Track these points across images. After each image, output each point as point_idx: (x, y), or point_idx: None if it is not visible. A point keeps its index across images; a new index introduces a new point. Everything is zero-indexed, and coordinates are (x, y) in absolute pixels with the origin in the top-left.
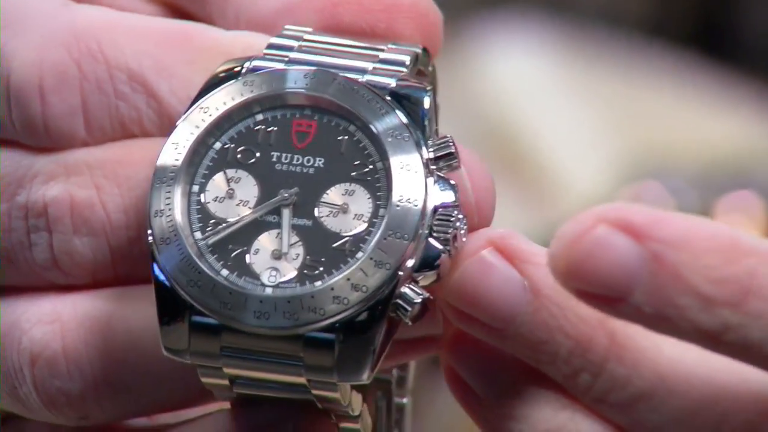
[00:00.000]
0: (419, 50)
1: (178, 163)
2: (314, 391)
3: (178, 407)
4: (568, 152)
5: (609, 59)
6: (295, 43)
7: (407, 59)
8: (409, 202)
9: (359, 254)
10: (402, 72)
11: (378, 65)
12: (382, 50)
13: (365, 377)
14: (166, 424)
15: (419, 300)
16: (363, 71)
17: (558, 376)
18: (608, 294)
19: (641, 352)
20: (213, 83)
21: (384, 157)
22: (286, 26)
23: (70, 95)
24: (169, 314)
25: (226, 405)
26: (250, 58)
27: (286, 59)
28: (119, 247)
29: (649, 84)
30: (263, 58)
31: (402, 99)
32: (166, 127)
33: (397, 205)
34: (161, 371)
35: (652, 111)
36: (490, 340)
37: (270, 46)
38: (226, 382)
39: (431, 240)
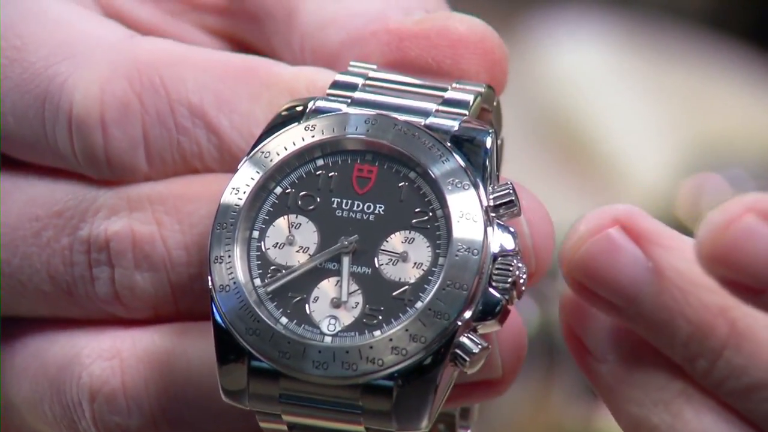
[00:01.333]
0: (483, 89)
1: (239, 208)
2: None
3: None
4: (629, 144)
5: (669, 51)
6: (359, 81)
7: (471, 99)
8: (468, 252)
9: (418, 304)
10: (464, 114)
11: (441, 107)
12: (446, 89)
13: (424, 425)
14: None
15: (477, 350)
16: (426, 113)
17: (676, 357)
18: (754, 284)
19: (760, 344)
20: (276, 123)
21: (443, 205)
22: (352, 62)
23: (131, 128)
24: (228, 358)
25: None
26: (313, 99)
27: (350, 100)
28: (180, 284)
29: (710, 76)
30: (326, 98)
31: (464, 142)
32: (227, 162)
33: (456, 255)
34: (219, 409)
35: (713, 102)
36: (611, 315)
37: (334, 85)
38: (284, 427)
39: (491, 289)
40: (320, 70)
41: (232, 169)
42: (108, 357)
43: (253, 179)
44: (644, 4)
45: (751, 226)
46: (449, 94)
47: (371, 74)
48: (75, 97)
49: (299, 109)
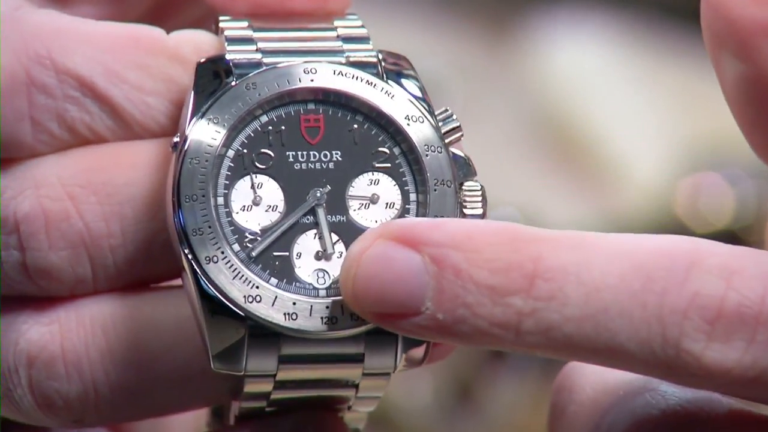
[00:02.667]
0: (358, 18)
1: (204, 177)
2: (363, 382)
3: (175, 412)
4: (629, 143)
5: (668, 51)
6: (249, 33)
7: (365, 31)
8: (443, 184)
9: None
10: (372, 48)
11: (348, 45)
12: (333, 28)
13: (420, 364)
14: None
15: None
16: (340, 52)
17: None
18: (401, 310)
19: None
20: (202, 82)
21: (401, 141)
22: (221, 18)
23: (17, 100)
24: (220, 328)
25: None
26: (221, 53)
27: (258, 50)
28: (99, 257)
29: (708, 75)
30: (236, 51)
31: (395, 74)
32: (123, 131)
33: (435, 189)
34: (167, 375)
35: (711, 101)
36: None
37: (232, 41)
38: (270, 387)
39: (463, 217)
40: (199, 32)
41: (126, 138)
42: (47, 322)
43: (211, 146)
44: (642, 4)
45: (380, 253)
46: (343, 32)
47: (255, 25)
48: None
49: (217, 61)
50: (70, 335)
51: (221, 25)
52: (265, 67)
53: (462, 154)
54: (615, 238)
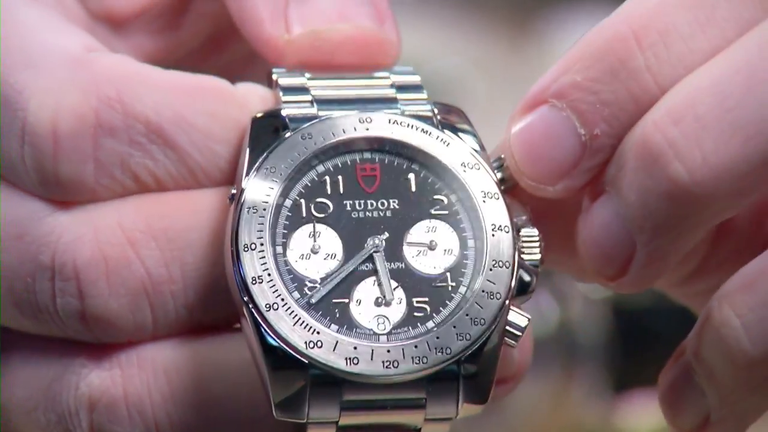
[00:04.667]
0: (412, 69)
1: (263, 227)
2: (425, 427)
3: None
4: None
5: None
6: (303, 81)
7: (418, 79)
8: (501, 230)
9: (461, 288)
10: (426, 97)
11: (402, 95)
12: (387, 77)
13: (480, 409)
14: None
15: (525, 323)
16: (393, 101)
17: None
18: (571, 155)
19: None
20: (258, 135)
21: (456, 189)
22: (274, 70)
23: (83, 141)
24: (282, 375)
25: None
26: (278, 108)
27: (312, 101)
28: (161, 304)
29: None
30: (291, 104)
31: (450, 123)
32: (185, 178)
33: (493, 234)
34: (230, 418)
35: None
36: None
37: (286, 90)
38: (333, 430)
39: (522, 263)
40: (261, 86)
41: (190, 187)
42: (107, 367)
43: (269, 195)
44: None
45: (521, 128)
46: (396, 79)
47: (307, 75)
48: (30, 106)
49: (274, 116)
50: (132, 379)
51: (274, 77)
52: (320, 118)
53: (519, 206)
54: None
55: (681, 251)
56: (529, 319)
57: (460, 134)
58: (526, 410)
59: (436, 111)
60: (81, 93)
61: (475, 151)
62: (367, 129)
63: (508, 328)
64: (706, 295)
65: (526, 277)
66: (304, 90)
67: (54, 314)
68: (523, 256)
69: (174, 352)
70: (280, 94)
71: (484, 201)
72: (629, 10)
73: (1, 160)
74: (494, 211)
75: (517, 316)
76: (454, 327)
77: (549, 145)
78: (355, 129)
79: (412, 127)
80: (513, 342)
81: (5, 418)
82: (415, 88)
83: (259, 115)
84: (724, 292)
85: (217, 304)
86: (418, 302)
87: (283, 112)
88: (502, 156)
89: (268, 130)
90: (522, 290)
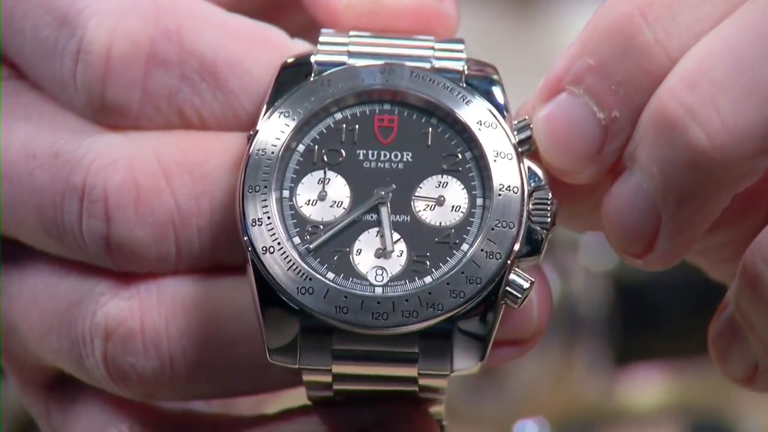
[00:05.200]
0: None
1: (269, 169)
2: (422, 381)
3: (251, 394)
4: None
5: None
6: (345, 38)
7: (461, 44)
8: (509, 190)
9: (464, 246)
10: (463, 56)
11: (438, 52)
12: (429, 39)
13: (478, 366)
14: (241, 416)
15: (527, 285)
16: (427, 58)
17: None
18: (594, 140)
19: None
20: (284, 81)
21: (473, 146)
22: (323, 31)
23: (134, 67)
24: (275, 319)
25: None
26: (311, 53)
27: (347, 52)
28: (186, 237)
29: None
30: (325, 52)
31: (477, 81)
32: (229, 121)
33: (500, 194)
34: (245, 360)
35: None
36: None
37: (323, 43)
38: (329, 379)
39: (532, 225)
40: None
41: (232, 129)
42: (127, 297)
43: (278, 138)
44: None
45: (544, 117)
46: (437, 42)
47: (352, 32)
48: (89, 25)
49: (303, 64)
50: (150, 312)
51: (321, 37)
52: (343, 66)
53: (538, 169)
54: None
55: (708, 220)
56: (532, 282)
57: (486, 87)
58: (527, 384)
59: (466, 68)
60: (140, 20)
61: (498, 110)
62: (387, 80)
63: (508, 289)
64: (717, 249)
65: (534, 240)
66: (342, 44)
67: (79, 236)
68: (532, 218)
69: (194, 289)
70: (318, 46)
71: (495, 160)
72: None
73: (53, 76)
74: (504, 171)
75: (520, 278)
76: (448, 284)
77: (571, 133)
78: (375, 79)
79: (433, 81)
80: (513, 304)
81: (17, 340)
82: (455, 51)
83: (290, 60)
84: (759, 245)
85: (237, 244)
86: (418, 256)
87: (313, 59)
88: (527, 117)
89: (294, 76)
90: (529, 253)
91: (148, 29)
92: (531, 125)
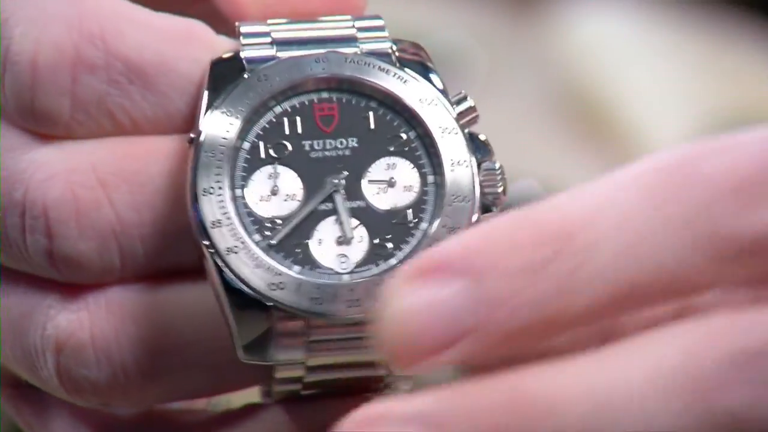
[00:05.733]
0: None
1: (221, 170)
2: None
3: (212, 395)
4: (652, 113)
5: (691, 22)
6: (266, 28)
7: (382, 22)
8: (460, 165)
9: (423, 224)
10: (387, 36)
11: (362, 34)
12: (348, 20)
13: None
14: (202, 410)
15: None
16: (354, 40)
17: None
18: (459, 335)
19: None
20: (217, 79)
21: (417, 125)
22: (241, 24)
23: (61, 75)
24: (246, 318)
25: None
26: (237, 49)
27: (271, 41)
28: (129, 246)
29: (734, 44)
30: (251, 46)
31: (409, 61)
32: (162, 123)
33: (452, 169)
34: (199, 362)
35: (737, 71)
36: (486, 355)
37: (246, 35)
38: (302, 372)
39: (484, 196)
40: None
41: (167, 131)
42: (75, 309)
43: (225, 138)
44: None
45: (413, 301)
46: (359, 24)
47: (269, 21)
48: (14, 35)
49: (233, 60)
50: (100, 322)
51: (237, 25)
52: (277, 59)
53: (480, 136)
54: (612, 176)
55: None
56: None
57: (417, 67)
58: None
59: (395, 48)
60: (65, 26)
61: (434, 86)
62: (324, 69)
63: None
64: None
65: (488, 210)
66: (264, 34)
67: (24, 251)
68: (484, 190)
69: (142, 297)
70: (241, 39)
71: (442, 136)
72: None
73: None
74: (452, 147)
75: None
76: None
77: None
78: (311, 69)
79: (368, 65)
80: None
81: None
82: (377, 28)
83: (218, 58)
84: None
85: (185, 249)
86: (379, 240)
87: (242, 54)
88: (462, 91)
89: (226, 73)
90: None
91: (72, 35)
92: (468, 96)
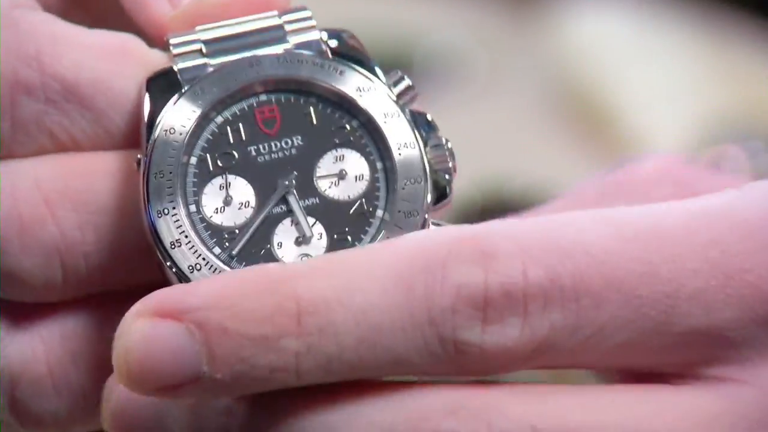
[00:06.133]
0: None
1: (172, 189)
2: None
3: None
4: (652, 113)
5: (691, 22)
6: (194, 36)
7: (308, 13)
8: (407, 147)
9: (378, 212)
10: (315, 25)
11: (291, 26)
12: (273, 14)
13: None
14: None
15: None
16: (283, 35)
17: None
18: (183, 380)
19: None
20: (156, 97)
21: (359, 114)
22: (170, 36)
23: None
24: None
25: None
26: (170, 64)
27: (203, 47)
28: (73, 265)
29: (734, 44)
30: (181, 58)
31: (340, 49)
32: (102, 140)
33: (399, 153)
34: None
35: (737, 71)
36: (202, 398)
37: (176, 45)
38: None
39: (436, 173)
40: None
41: (107, 148)
42: (27, 340)
43: (172, 157)
44: None
45: (146, 333)
46: (284, 17)
47: (197, 27)
48: None
49: (168, 74)
50: (55, 351)
51: (166, 38)
52: (211, 69)
53: (423, 113)
54: (372, 252)
55: None
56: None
57: (349, 54)
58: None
59: (324, 38)
60: (2, 49)
61: (371, 72)
62: (258, 72)
63: None
64: None
65: (441, 186)
66: (194, 41)
67: None
68: (435, 167)
69: (95, 318)
70: (172, 50)
71: (385, 122)
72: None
73: None
74: (397, 130)
75: (438, 226)
76: None
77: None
78: (245, 74)
79: (302, 61)
80: None
81: None
82: (303, 19)
83: (153, 74)
84: None
85: (135, 267)
86: (338, 234)
87: (176, 67)
88: (398, 71)
89: (164, 89)
90: (438, 199)
91: (9, 59)
92: (403, 75)
